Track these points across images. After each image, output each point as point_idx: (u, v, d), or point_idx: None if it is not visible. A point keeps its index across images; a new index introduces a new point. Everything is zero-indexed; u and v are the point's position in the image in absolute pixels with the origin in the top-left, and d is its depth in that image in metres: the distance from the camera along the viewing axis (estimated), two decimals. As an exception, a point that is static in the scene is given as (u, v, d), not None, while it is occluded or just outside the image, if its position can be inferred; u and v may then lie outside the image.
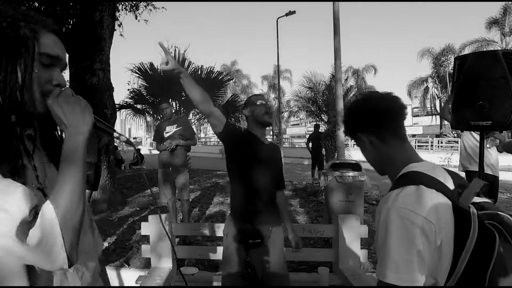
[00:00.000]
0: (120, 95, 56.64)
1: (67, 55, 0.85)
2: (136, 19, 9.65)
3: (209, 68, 8.99)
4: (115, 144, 10.29)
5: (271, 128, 41.62)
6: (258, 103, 1.94)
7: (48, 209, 0.61)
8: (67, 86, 0.76)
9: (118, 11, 9.06)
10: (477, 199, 0.87)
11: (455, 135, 18.57)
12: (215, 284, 2.68)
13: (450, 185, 0.89)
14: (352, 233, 2.59)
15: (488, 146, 3.87)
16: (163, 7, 9.80)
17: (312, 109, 13.39)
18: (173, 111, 4.71)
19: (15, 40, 0.67)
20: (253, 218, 1.86)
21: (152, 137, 5.10)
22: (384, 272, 0.82)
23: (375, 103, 1.06)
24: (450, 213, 0.83)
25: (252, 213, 1.87)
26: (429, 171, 0.92)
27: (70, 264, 0.64)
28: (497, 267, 0.76)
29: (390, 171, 1.03)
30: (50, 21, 0.75)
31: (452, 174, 0.95)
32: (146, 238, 3.65)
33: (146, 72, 8.64)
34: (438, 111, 29.24)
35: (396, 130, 1.03)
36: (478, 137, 3.71)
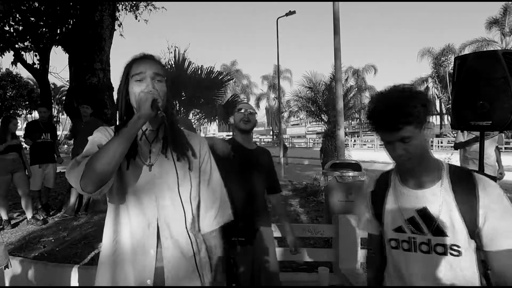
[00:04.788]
0: (120, 95, 56.47)
1: (154, 66, 1.12)
2: (136, 19, 9.68)
3: (209, 68, 8.97)
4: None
5: (271, 128, 41.68)
6: (236, 110, 2.07)
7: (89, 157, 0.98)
8: (151, 89, 1.07)
9: (118, 11, 9.08)
10: None
11: (455, 135, 18.55)
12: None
13: None
14: (352, 233, 2.59)
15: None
16: (163, 7, 9.83)
17: (312, 109, 13.39)
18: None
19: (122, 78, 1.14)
20: (236, 218, 1.90)
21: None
22: None
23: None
24: None
25: (235, 214, 1.92)
26: None
27: (84, 190, 0.96)
28: None
29: (432, 163, 1.08)
30: (140, 54, 1.16)
31: None
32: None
33: (146, 72, 8.63)
34: (438, 111, 29.25)
35: None
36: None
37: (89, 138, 1.13)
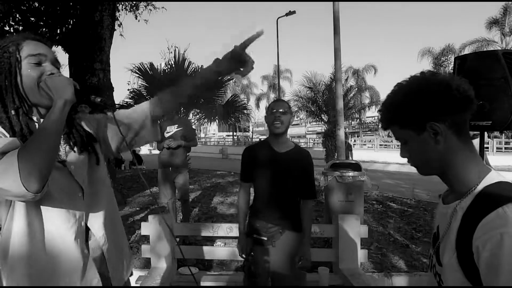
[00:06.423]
0: (120, 95, 56.67)
1: (52, 52, 0.99)
2: (136, 19, 9.67)
3: (209, 68, 8.96)
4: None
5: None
6: (268, 110, 1.97)
7: (13, 151, 0.78)
8: (58, 73, 0.95)
9: (118, 11, 9.07)
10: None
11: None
12: (215, 284, 2.68)
13: None
14: (352, 233, 2.59)
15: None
16: (163, 7, 9.82)
17: (312, 109, 13.42)
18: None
19: (6, 57, 0.91)
20: (262, 217, 1.97)
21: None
22: None
23: (457, 83, 0.80)
24: None
25: (261, 213, 1.99)
26: None
27: (29, 189, 0.75)
28: None
29: (460, 176, 0.80)
30: (29, 33, 0.98)
31: None
32: (146, 238, 3.65)
33: (146, 72, 8.64)
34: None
35: (468, 125, 0.81)
36: None
37: None
